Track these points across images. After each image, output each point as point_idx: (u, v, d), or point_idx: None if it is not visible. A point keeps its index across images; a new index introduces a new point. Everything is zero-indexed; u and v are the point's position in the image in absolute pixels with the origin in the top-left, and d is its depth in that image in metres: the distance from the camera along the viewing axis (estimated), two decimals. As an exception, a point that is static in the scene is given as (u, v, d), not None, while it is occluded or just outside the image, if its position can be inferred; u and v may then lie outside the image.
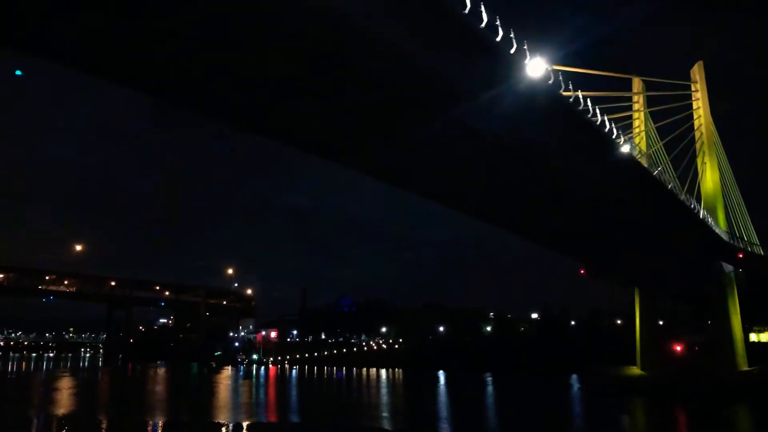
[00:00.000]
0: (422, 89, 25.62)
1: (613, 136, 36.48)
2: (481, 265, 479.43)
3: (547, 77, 29.12)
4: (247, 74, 23.84)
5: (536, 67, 27.93)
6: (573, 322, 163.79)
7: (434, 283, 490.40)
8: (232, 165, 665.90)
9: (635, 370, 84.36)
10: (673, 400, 67.81)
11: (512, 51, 26.66)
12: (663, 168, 52.11)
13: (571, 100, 31.70)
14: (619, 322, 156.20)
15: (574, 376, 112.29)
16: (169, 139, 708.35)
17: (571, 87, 31.66)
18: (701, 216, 60.42)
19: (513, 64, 27.19)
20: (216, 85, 25.11)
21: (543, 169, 34.33)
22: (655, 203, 47.89)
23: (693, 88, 71.51)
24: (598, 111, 34.11)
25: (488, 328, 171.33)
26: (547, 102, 29.88)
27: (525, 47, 27.41)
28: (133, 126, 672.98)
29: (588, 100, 33.33)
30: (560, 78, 30.32)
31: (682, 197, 53.95)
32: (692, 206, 57.09)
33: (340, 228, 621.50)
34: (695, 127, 71.10)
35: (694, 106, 71.22)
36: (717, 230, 68.12)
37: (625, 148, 38.96)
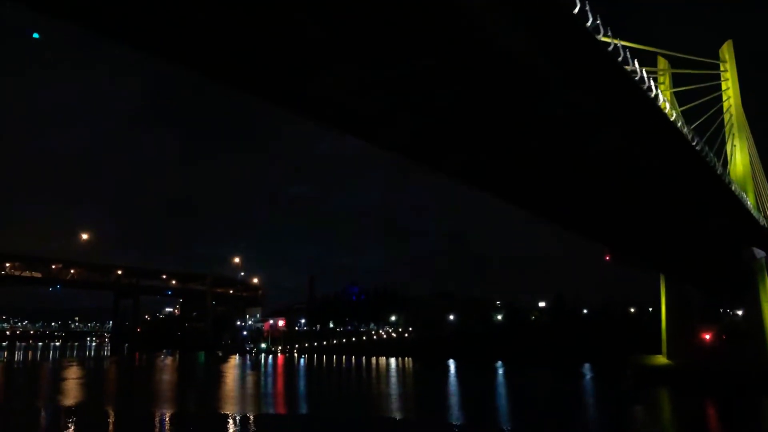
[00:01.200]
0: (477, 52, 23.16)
1: (666, 111, 34.14)
2: (487, 255, 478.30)
3: (607, 44, 26.69)
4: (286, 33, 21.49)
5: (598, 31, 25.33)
6: (585, 311, 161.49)
7: (441, 273, 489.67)
8: (236, 154, 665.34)
9: (661, 359, 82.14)
10: (703, 390, 65.95)
11: (575, 11, 24.02)
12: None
13: (629, 69, 29.27)
14: (632, 310, 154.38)
15: (587, 365, 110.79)
16: (174, 129, 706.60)
17: (628, 55, 29.11)
18: (739, 197, 57.84)
19: (579, 26, 24.48)
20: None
21: (584, 140, 32.17)
22: (695, 181, 45.29)
23: (722, 68, 69.10)
24: (653, 84, 31.65)
25: (499, 317, 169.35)
26: (600, 68, 27.37)
27: (587, 8, 24.77)
28: (137, 113, 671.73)
29: (644, 70, 30.95)
30: (619, 46, 27.61)
31: (724, 176, 51.38)
32: (732, 186, 54.64)
33: (344, 218, 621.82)
34: (725, 109, 68.69)
35: (723, 87, 68.75)
36: (754, 213, 65.51)
37: (678, 123, 36.87)
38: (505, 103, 27.48)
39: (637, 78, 29.79)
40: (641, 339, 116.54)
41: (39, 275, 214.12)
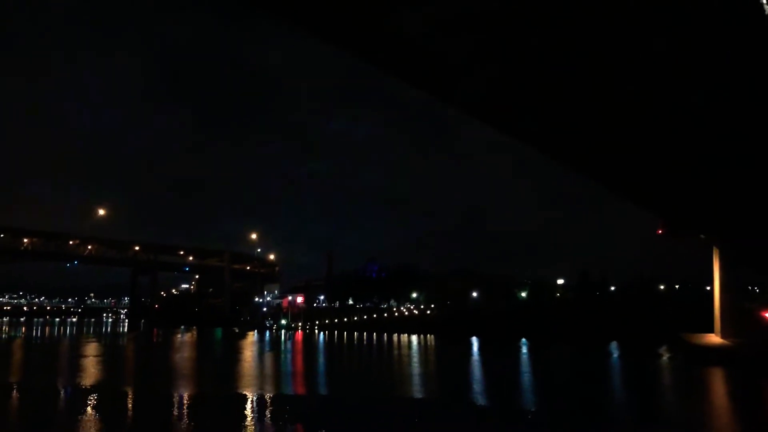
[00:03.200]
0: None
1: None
2: (503, 233, 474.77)
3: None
4: None
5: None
6: (613, 288, 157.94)
7: (457, 251, 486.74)
8: (249, 132, 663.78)
9: (714, 339, 78.57)
10: (765, 371, 62.93)
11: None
12: None
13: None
14: (662, 287, 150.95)
15: (614, 344, 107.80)
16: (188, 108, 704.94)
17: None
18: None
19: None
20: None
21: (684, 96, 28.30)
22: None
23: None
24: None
25: (523, 294, 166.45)
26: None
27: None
28: (148, 92, 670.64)
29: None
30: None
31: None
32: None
33: (358, 196, 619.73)
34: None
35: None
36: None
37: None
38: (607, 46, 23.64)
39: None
40: (674, 316, 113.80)
41: (56, 251, 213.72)
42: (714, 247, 78.57)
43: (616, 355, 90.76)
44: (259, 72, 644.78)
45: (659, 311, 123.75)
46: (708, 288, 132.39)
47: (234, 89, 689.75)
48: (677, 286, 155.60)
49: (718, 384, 58.34)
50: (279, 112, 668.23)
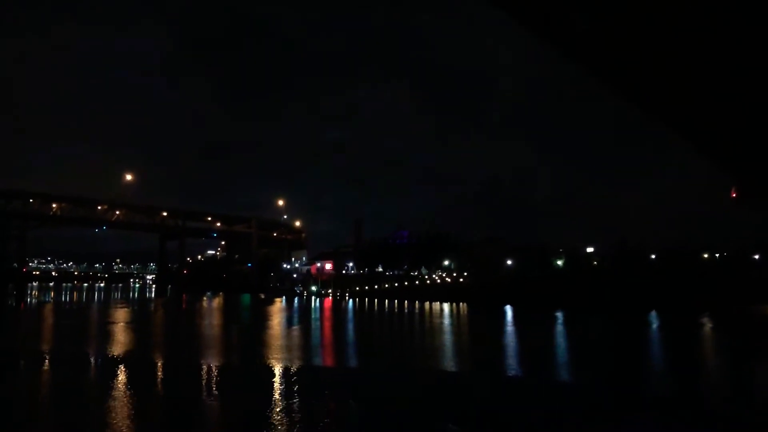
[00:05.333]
0: None
1: None
2: (528, 201, 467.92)
3: None
4: None
5: None
6: (653, 256, 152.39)
7: (487, 218, 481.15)
8: (270, 101, 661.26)
9: None
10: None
11: None
12: None
13: None
14: (705, 256, 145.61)
15: (654, 314, 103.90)
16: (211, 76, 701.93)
17: None
18: None
19: None
20: None
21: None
22: None
23: None
24: None
25: (558, 263, 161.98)
26: None
27: None
28: (170, 60, 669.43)
29: None
30: None
31: None
32: None
33: (381, 165, 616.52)
34: None
35: None
36: None
37: None
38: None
39: None
40: (718, 286, 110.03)
41: (85, 216, 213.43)
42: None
43: (656, 325, 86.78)
44: (282, 39, 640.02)
45: (701, 281, 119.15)
46: (757, 257, 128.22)
47: (257, 57, 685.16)
48: (717, 255, 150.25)
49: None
50: (303, 80, 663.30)
